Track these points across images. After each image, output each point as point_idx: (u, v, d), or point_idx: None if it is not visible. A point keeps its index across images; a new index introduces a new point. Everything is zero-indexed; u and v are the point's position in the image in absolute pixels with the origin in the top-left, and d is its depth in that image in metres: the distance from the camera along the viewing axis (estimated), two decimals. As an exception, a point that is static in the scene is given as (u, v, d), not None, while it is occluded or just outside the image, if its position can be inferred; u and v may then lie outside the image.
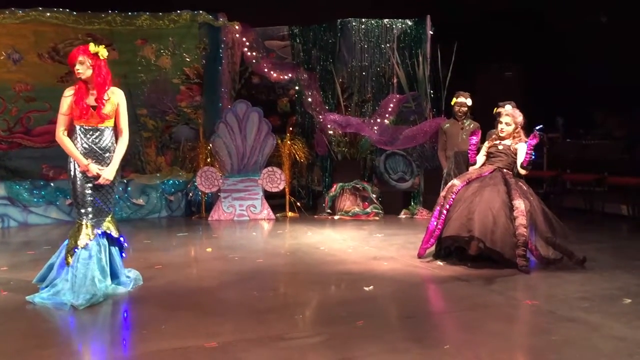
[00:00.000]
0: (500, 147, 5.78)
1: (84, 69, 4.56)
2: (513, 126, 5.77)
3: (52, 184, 8.66)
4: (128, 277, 4.92)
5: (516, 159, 5.74)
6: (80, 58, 4.55)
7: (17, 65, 9.17)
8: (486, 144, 5.96)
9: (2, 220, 8.32)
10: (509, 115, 5.78)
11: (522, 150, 5.69)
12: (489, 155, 5.87)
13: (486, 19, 11.76)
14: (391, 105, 9.40)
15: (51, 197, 8.58)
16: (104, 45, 4.70)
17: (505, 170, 5.70)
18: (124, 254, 5.01)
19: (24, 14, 9.12)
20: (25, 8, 9.13)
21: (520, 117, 5.83)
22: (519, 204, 5.34)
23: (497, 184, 5.52)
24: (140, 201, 9.03)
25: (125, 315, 4.36)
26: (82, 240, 4.59)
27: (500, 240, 5.24)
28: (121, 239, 4.90)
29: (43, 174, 9.12)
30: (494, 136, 5.91)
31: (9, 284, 5.04)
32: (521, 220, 5.27)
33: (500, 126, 5.79)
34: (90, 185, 4.61)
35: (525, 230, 5.25)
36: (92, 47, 4.60)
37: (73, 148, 4.58)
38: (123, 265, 4.96)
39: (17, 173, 9.05)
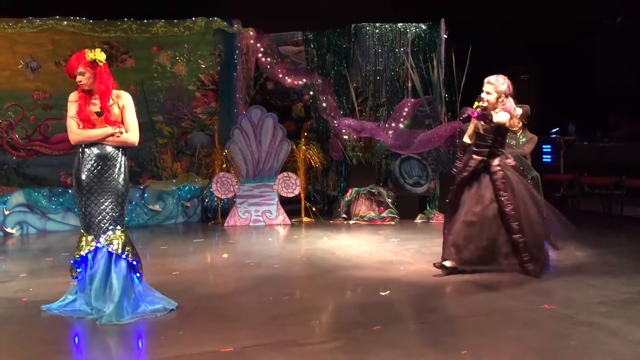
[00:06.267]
0: (482, 132, 5.24)
1: (86, 79, 4.31)
2: (495, 95, 5.15)
3: (70, 191, 8.71)
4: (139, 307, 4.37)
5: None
6: (80, 69, 4.29)
7: (35, 73, 9.30)
8: (471, 124, 5.37)
9: (21, 227, 8.40)
10: (490, 84, 5.16)
11: (499, 116, 5.08)
12: (476, 137, 5.34)
13: (502, 22, 11.70)
14: (406, 109, 9.39)
15: (69, 204, 8.65)
16: (99, 49, 4.38)
17: (493, 162, 5.22)
18: (137, 274, 4.44)
19: (41, 23, 9.25)
20: (43, 17, 9.25)
21: (503, 86, 5.18)
22: (509, 210, 5.13)
23: (483, 193, 5.24)
24: (157, 207, 9.08)
25: (142, 321, 4.38)
26: (82, 251, 4.38)
27: (491, 260, 5.25)
28: (125, 256, 4.35)
29: (61, 181, 9.21)
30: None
31: (28, 291, 5.09)
32: (514, 225, 5.14)
33: (481, 95, 5.18)
34: (94, 195, 4.35)
35: (519, 235, 5.12)
36: (88, 55, 4.28)
37: (95, 130, 4.35)
38: (133, 286, 4.39)
39: (36, 180, 9.18)
